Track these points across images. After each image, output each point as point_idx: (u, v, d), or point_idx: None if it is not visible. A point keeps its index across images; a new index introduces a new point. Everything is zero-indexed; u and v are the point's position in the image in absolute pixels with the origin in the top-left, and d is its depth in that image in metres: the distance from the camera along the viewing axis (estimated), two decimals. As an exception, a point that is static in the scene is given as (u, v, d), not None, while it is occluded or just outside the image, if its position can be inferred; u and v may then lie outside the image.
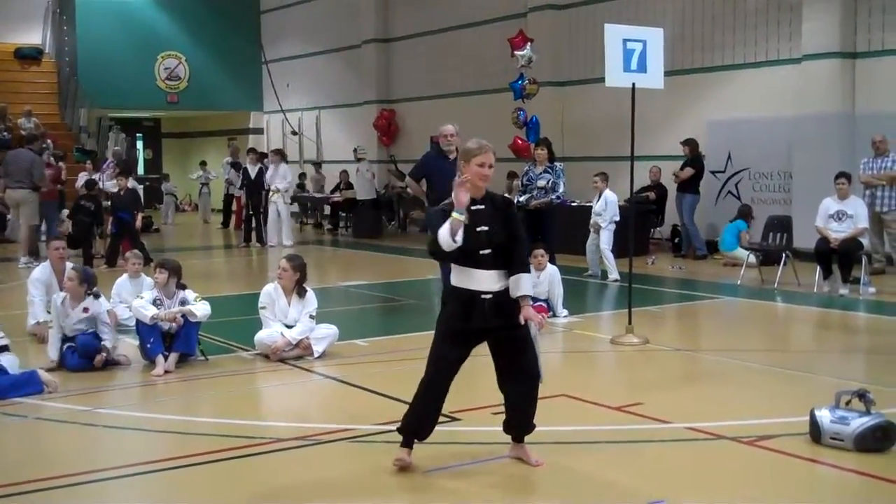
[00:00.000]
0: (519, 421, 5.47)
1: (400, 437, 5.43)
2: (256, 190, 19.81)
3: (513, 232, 5.32)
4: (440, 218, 5.18)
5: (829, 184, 12.43)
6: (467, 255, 5.21)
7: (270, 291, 8.73)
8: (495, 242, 5.24)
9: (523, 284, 5.24)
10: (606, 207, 13.88)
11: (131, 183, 16.92)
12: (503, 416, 5.55)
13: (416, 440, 5.40)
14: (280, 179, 19.45)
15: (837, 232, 12.00)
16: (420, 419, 5.37)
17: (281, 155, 20.07)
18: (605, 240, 13.82)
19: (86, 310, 8.22)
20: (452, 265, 5.33)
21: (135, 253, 10.60)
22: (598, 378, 8.36)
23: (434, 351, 5.37)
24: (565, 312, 10.54)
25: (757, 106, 16.30)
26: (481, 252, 5.21)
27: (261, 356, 8.59)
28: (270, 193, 19.50)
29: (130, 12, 27.67)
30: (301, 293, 8.68)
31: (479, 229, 5.21)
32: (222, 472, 5.51)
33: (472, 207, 5.21)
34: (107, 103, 26.24)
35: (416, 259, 17.46)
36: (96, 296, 8.34)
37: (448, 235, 5.07)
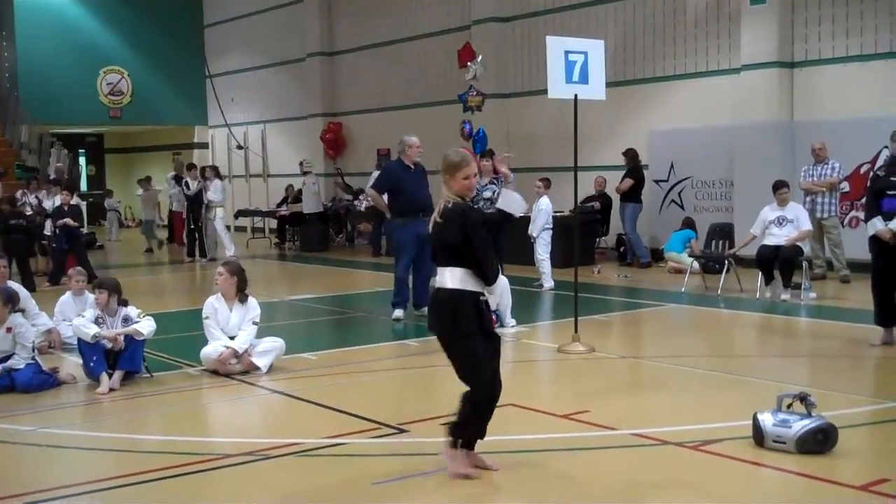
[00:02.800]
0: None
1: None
2: (198, 204, 19.82)
3: (487, 218, 5.89)
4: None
5: (769, 191, 12.61)
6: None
7: (213, 301, 8.70)
8: None
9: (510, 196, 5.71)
10: (538, 216, 13.97)
11: (74, 199, 16.76)
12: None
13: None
14: (213, 194, 19.64)
15: (778, 237, 12.19)
16: (482, 428, 5.42)
17: (215, 171, 20.38)
18: (542, 248, 13.92)
19: (9, 329, 8.11)
20: (454, 269, 5.33)
21: (78, 270, 10.45)
22: (546, 387, 8.41)
23: (479, 366, 5.33)
24: (513, 322, 10.59)
25: (698, 115, 16.53)
26: None
27: (207, 372, 8.53)
28: (207, 209, 19.61)
29: (72, 27, 27.38)
30: (243, 300, 8.66)
31: None
32: (170, 490, 5.46)
33: None
34: (48, 119, 25.94)
35: (363, 271, 17.47)
36: (20, 311, 8.31)
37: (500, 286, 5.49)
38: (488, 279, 5.36)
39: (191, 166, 21.33)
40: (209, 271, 17.89)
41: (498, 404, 5.48)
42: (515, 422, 6.69)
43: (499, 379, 5.48)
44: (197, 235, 20.01)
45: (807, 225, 12.37)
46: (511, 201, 5.63)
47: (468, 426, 5.38)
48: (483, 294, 5.40)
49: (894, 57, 14.26)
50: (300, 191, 23.78)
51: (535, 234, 13.95)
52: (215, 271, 8.90)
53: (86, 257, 15.57)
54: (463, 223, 5.30)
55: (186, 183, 20.33)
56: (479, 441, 5.51)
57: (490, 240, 5.39)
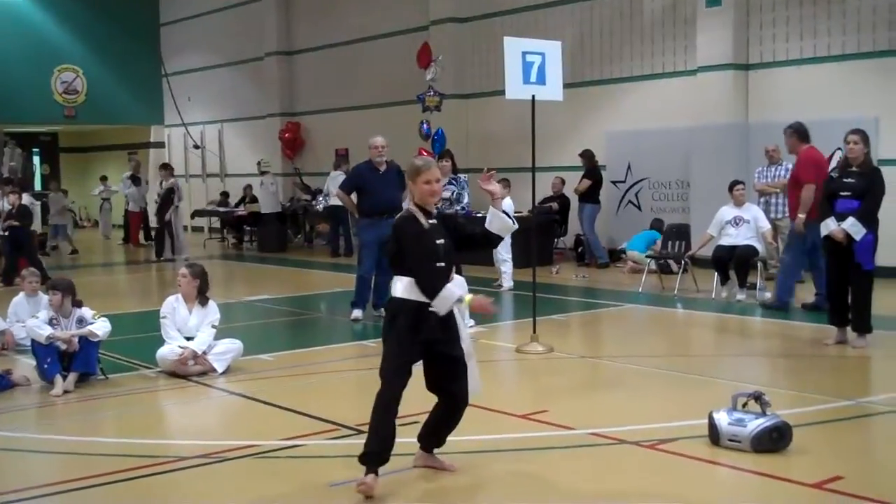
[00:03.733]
0: (436, 438, 5.54)
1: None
2: (167, 204, 19.92)
3: (466, 232, 5.60)
4: (412, 230, 5.26)
5: (725, 192, 12.74)
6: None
7: (171, 301, 8.65)
8: (449, 256, 5.34)
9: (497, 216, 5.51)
10: None
11: (26, 199, 16.53)
12: (412, 427, 5.58)
13: (380, 461, 5.19)
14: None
15: (734, 237, 12.31)
16: (385, 441, 5.18)
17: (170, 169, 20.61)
18: (504, 249, 13.93)
19: None
20: (402, 278, 5.30)
21: (31, 271, 10.30)
22: (504, 387, 8.41)
23: (389, 366, 5.25)
24: (471, 322, 10.57)
25: (655, 117, 16.65)
26: (437, 265, 5.27)
27: (163, 374, 8.45)
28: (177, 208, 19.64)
29: (25, 24, 26.97)
30: (203, 302, 8.62)
31: (437, 242, 5.28)
32: (125, 492, 5.41)
33: (429, 221, 5.31)
34: (1, 118, 25.56)
35: (321, 272, 17.40)
36: None
37: (449, 301, 5.22)
38: (424, 292, 5.22)
39: (165, 165, 21.35)
40: (169, 271, 17.76)
41: (455, 404, 5.47)
42: (473, 422, 6.67)
43: (463, 398, 5.42)
44: (167, 234, 20.02)
45: (765, 224, 12.52)
46: (496, 219, 5.51)
47: (373, 441, 5.18)
48: (431, 304, 5.24)
49: (847, 59, 14.45)
50: (247, 188, 23.74)
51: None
52: (178, 273, 8.84)
53: (36, 258, 15.35)
54: (398, 236, 5.30)
55: (161, 182, 20.47)
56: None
57: (424, 253, 5.22)
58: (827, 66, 14.66)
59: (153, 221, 21.55)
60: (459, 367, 5.36)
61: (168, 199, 19.71)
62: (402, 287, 5.29)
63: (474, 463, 5.76)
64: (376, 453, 5.17)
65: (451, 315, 5.32)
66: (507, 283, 13.81)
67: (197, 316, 8.57)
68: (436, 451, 5.58)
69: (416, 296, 5.24)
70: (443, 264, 5.30)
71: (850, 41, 14.42)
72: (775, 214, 13.71)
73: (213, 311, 8.64)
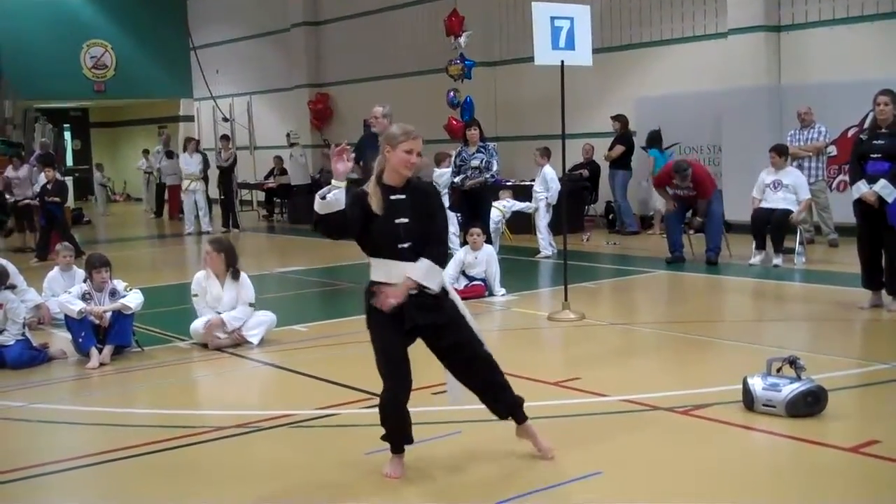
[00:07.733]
0: (494, 405, 5.28)
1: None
2: (229, 175, 20.86)
3: (429, 225, 4.98)
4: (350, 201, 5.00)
5: (758, 156, 12.65)
6: (385, 248, 4.97)
7: (201, 278, 8.61)
8: (414, 235, 4.92)
9: (417, 268, 4.91)
10: (549, 185, 13.91)
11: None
12: (440, 396, 5.59)
13: (404, 444, 5.13)
14: (193, 166, 20.02)
15: (773, 201, 12.17)
16: (398, 431, 5.10)
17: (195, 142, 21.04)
18: (542, 218, 13.92)
19: (0, 306, 8.09)
20: (372, 258, 5.06)
21: (65, 245, 10.40)
22: (536, 354, 8.41)
23: (380, 362, 5.15)
24: (503, 291, 10.60)
25: (685, 81, 16.48)
26: (399, 245, 4.91)
27: (198, 346, 8.52)
28: (186, 181, 19.93)
29: (53, 1, 27.11)
30: (234, 276, 8.54)
31: (397, 221, 4.91)
32: (162, 463, 5.47)
33: (392, 197, 4.95)
34: (32, 94, 25.75)
35: (352, 243, 17.41)
36: (11, 288, 8.26)
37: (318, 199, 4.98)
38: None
39: (225, 137, 21.66)
40: (194, 246, 17.85)
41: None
42: (506, 390, 6.69)
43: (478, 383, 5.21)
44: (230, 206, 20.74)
45: (805, 194, 12.37)
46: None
47: (385, 427, 5.09)
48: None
49: (881, 19, 14.23)
50: (277, 160, 23.83)
51: (553, 202, 13.84)
52: (203, 249, 8.87)
53: (69, 232, 15.49)
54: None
55: (219, 153, 21.01)
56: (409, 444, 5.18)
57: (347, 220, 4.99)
58: (860, 27, 14.43)
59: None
60: (458, 334, 5.12)
61: (231, 169, 20.26)
62: (371, 269, 5.06)
63: (507, 429, 5.75)
64: (392, 439, 5.12)
65: (434, 295, 4.99)
66: (545, 251, 13.77)
67: (229, 291, 8.52)
68: (465, 419, 5.57)
69: (385, 277, 4.96)
70: (406, 245, 4.91)
71: (883, 1, 14.18)
72: (809, 178, 13.56)
73: (246, 287, 8.55)
